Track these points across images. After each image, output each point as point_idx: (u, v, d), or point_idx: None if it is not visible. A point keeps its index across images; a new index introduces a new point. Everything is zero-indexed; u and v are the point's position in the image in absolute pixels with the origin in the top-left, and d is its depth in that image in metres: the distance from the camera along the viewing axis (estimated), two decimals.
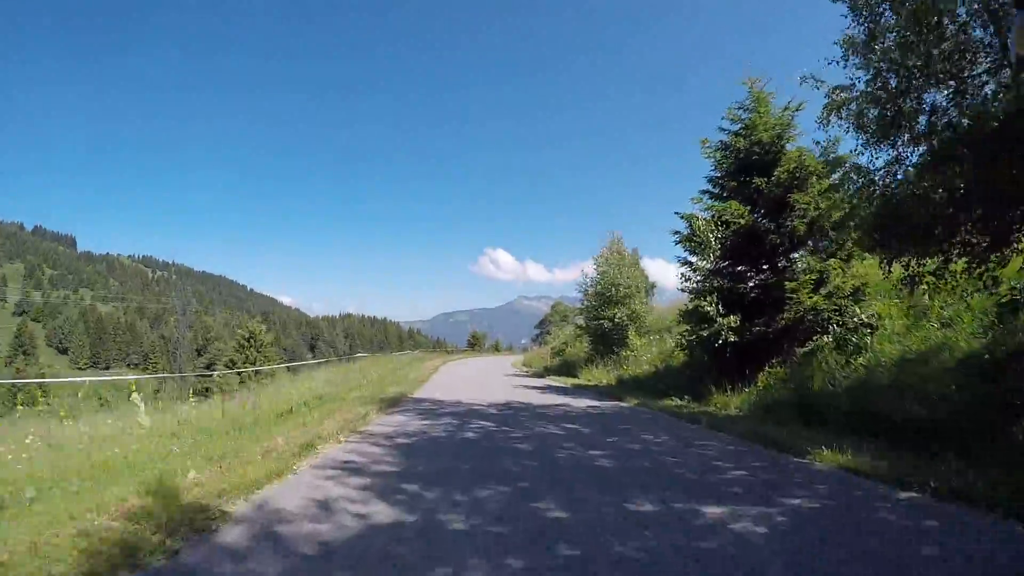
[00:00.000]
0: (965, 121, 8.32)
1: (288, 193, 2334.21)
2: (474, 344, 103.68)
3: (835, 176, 14.34)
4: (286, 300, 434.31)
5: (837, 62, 9.87)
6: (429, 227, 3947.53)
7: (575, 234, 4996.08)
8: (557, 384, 28.26)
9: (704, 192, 18.81)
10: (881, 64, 9.19)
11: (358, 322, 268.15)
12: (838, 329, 14.23)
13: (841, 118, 10.10)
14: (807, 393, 12.56)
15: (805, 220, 15.92)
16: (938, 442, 7.94)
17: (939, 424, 8.57)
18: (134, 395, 11.36)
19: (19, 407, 14.34)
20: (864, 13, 9.34)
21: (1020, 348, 8.94)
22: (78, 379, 24.42)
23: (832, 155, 14.19)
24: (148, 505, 5.40)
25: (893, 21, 8.98)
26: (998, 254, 8.86)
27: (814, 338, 15.06)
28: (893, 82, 9.16)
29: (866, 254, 14.13)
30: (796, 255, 17.06)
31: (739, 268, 17.86)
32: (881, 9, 9.19)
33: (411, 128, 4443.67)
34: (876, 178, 9.90)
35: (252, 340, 68.73)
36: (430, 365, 41.85)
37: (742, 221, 16.82)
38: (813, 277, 15.31)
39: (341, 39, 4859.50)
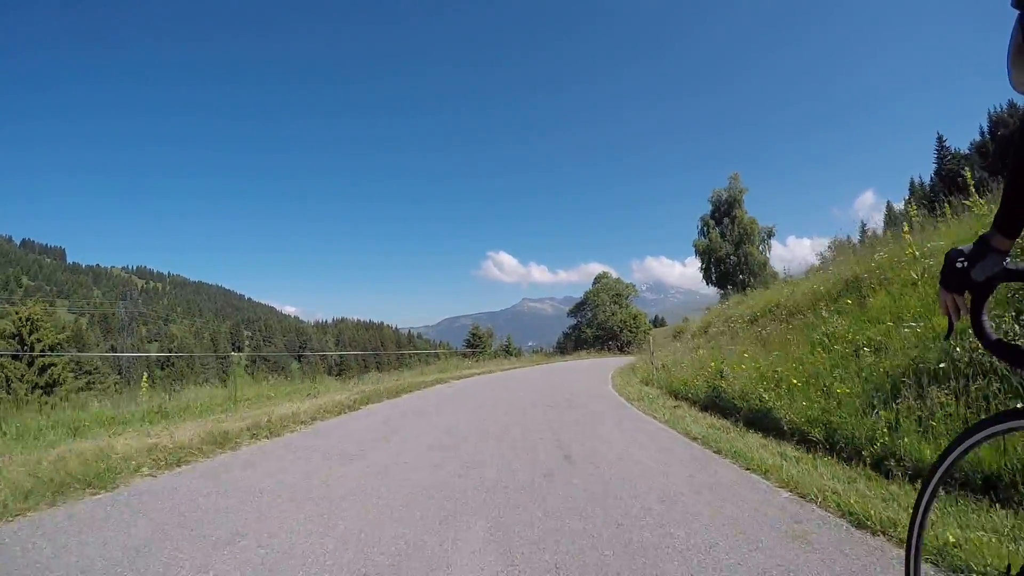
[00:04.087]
0: None
1: (292, 205, 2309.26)
2: (475, 345, 62.58)
3: None
4: (289, 309, 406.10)
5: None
6: (432, 233, 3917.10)
7: (578, 234, 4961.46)
8: None
9: None
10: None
11: (352, 327, 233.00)
12: None
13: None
14: None
15: None
16: None
17: None
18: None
19: None
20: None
21: None
22: None
23: None
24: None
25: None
26: None
27: None
28: None
29: None
30: None
31: None
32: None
33: (411, 142, 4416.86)
34: None
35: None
36: None
37: None
38: None
39: (339, 57, 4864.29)
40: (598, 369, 26.95)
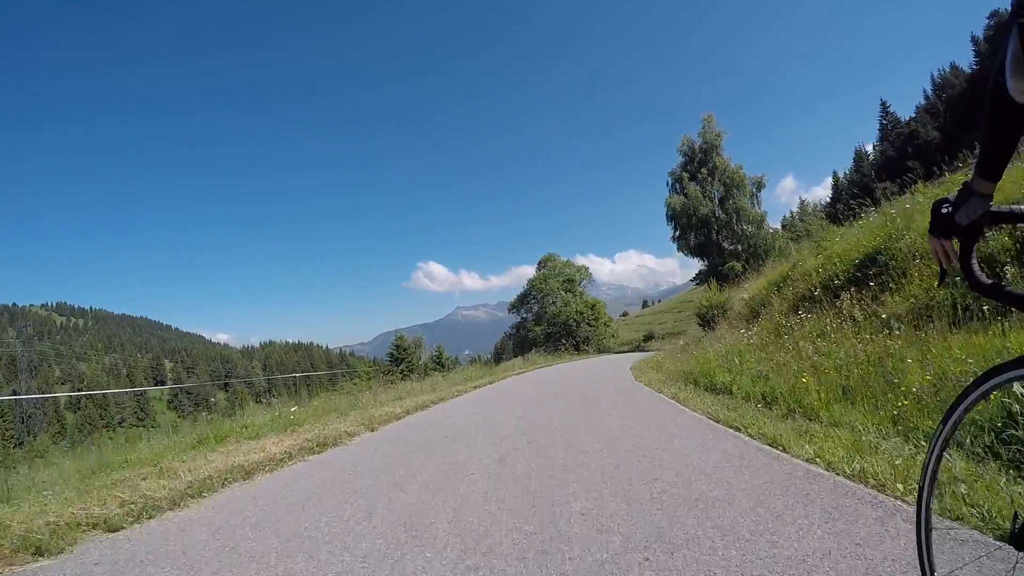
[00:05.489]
0: None
1: (217, 231, 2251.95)
2: (401, 359, 49.01)
3: None
4: (221, 337, 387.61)
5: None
6: (360, 249, 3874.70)
7: (506, 238, 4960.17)
8: None
9: None
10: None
11: (280, 350, 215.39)
12: None
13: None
14: None
15: None
16: None
17: None
18: None
19: None
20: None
21: None
22: None
23: None
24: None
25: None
26: None
27: None
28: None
29: None
30: None
31: None
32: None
33: (332, 160, 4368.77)
34: None
35: None
36: None
37: None
38: None
39: (260, 78, 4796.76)
40: (615, 393, 12.47)
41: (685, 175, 46.27)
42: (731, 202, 44.47)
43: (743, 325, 14.30)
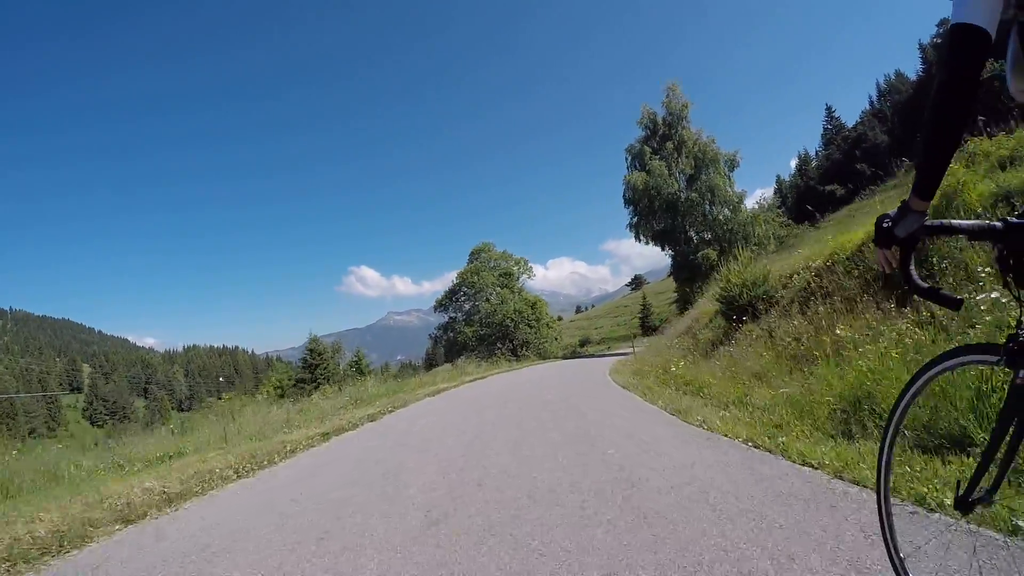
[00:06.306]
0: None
1: (145, 232, 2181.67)
2: (316, 366, 41.63)
3: None
4: (148, 341, 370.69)
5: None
6: (292, 256, 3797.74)
7: (438, 243, 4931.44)
8: None
9: None
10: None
11: (203, 354, 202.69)
12: None
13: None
14: None
15: None
16: None
17: None
18: None
19: None
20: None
21: None
22: None
23: None
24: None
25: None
26: None
27: None
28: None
29: None
30: None
31: None
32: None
33: (262, 166, 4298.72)
34: None
35: None
36: None
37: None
38: None
39: (194, 84, 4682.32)
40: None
41: (647, 150, 39.55)
42: (702, 181, 37.98)
43: (868, 299, 7.67)
